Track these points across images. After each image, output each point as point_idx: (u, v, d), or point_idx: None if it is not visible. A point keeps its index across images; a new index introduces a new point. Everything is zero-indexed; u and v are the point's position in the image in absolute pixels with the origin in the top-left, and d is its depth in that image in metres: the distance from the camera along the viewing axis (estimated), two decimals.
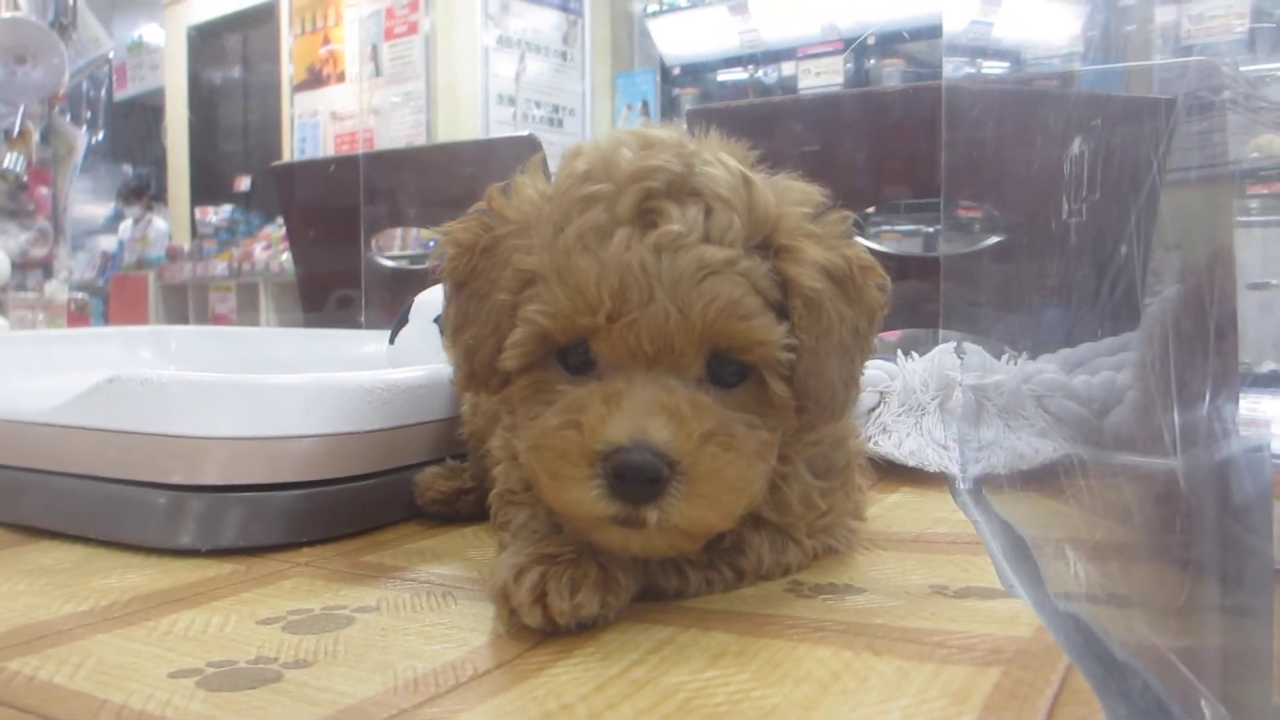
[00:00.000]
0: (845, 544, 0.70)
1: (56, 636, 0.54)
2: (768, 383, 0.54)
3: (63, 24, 2.13)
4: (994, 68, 1.30)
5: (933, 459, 0.99)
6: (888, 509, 0.86)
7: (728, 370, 0.54)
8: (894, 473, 0.99)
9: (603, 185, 0.53)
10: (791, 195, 0.58)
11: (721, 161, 0.55)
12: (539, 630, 0.53)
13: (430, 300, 1.09)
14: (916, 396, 1.07)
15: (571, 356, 0.55)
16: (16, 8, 2.07)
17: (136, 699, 0.45)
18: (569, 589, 0.53)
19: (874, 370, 1.10)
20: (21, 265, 3.18)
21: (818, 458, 0.66)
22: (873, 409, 1.07)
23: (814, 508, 0.65)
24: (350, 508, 0.77)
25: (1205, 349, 0.43)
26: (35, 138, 2.03)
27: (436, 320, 1.06)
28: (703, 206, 0.53)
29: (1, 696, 0.46)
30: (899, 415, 1.05)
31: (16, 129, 1.96)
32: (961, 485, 0.96)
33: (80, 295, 3.37)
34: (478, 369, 0.58)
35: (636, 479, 0.50)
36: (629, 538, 0.52)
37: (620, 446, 0.50)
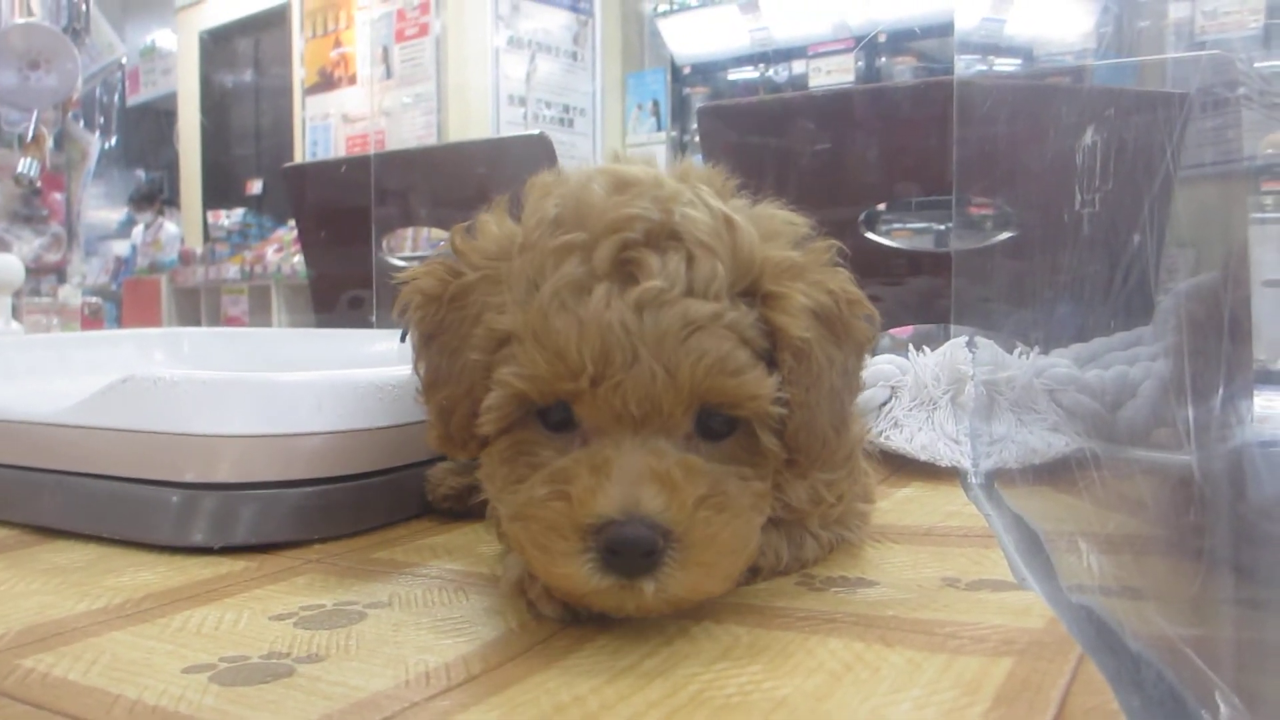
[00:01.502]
0: (857, 531, 0.70)
1: (70, 634, 0.54)
2: (757, 435, 0.52)
3: (76, 29, 2.14)
4: (1006, 65, 1.30)
5: (944, 453, 0.98)
6: (899, 503, 0.86)
7: (716, 422, 0.52)
8: (905, 467, 0.99)
9: (576, 235, 0.50)
10: (775, 227, 0.56)
11: (703, 201, 0.52)
12: (555, 622, 0.53)
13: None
14: (928, 391, 1.06)
15: (552, 415, 0.52)
16: (30, 13, 2.08)
17: (150, 694, 0.45)
18: None
19: (885, 365, 1.09)
20: (35, 270, 3.20)
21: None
22: (884, 403, 1.06)
23: (822, 502, 0.65)
24: (362, 504, 0.77)
25: (1220, 342, 0.42)
26: (49, 143, 2.04)
27: None
28: (684, 255, 0.50)
29: (16, 693, 0.46)
30: (910, 410, 1.05)
31: (30, 134, 1.98)
32: (973, 480, 0.96)
33: (94, 299, 3.39)
34: (454, 432, 0.56)
35: (630, 553, 0.48)
36: (624, 602, 0.49)
37: (612, 519, 0.47)
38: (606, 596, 0.49)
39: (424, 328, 0.57)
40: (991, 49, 1.26)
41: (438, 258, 0.58)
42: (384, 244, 2.07)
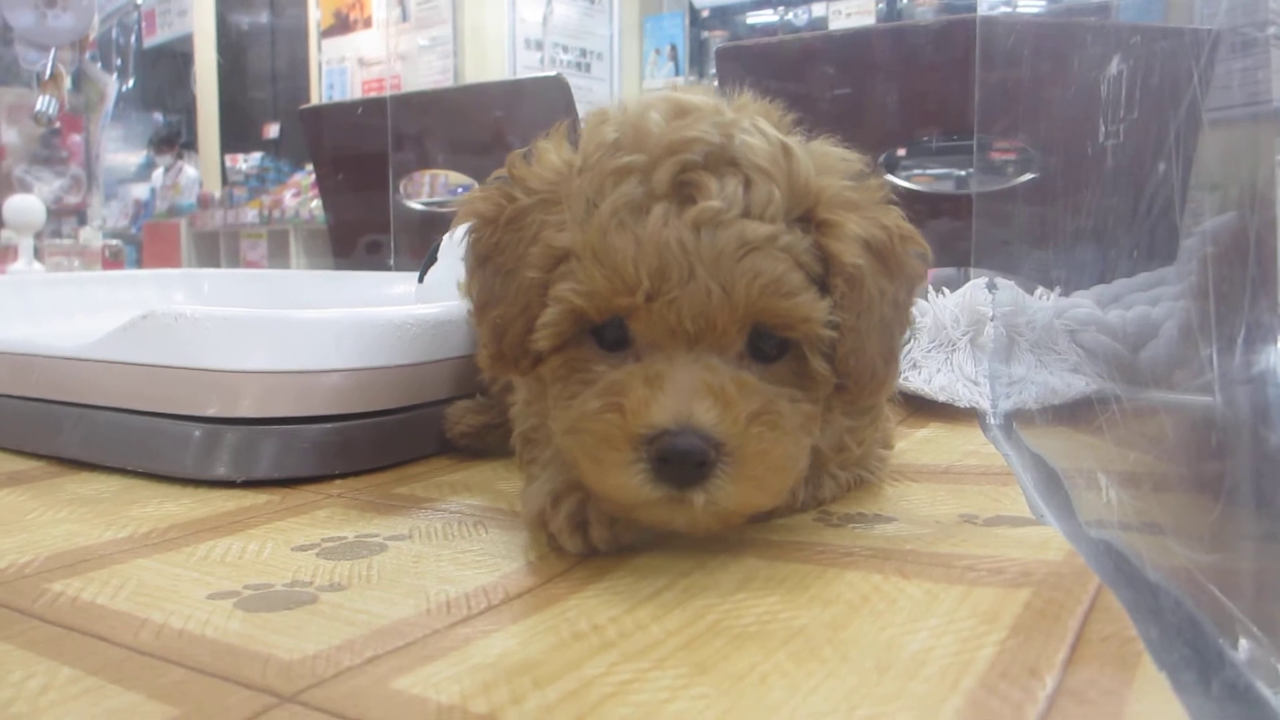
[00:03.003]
0: (876, 474, 0.70)
1: (98, 560, 0.55)
2: (808, 359, 0.53)
3: None
4: (1031, 6, 1.28)
5: (963, 394, 0.98)
6: (917, 443, 0.86)
7: (768, 345, 0.52)
8: (924, 408, 0.99)
9: (636, 156, 0.51)
10: (830, 163, 0.56)
11: (760, 130, 0.53)
12: (576, 554, 0.54)
13: (458, 238, 1.09)
14: (947, 332, 1.06)
15: (607, 334, 0.53)
16: None
17: (176, 618, 0.46)
18: (607, 516, 0.53)
19: None
20: (56, 212, 3.21)
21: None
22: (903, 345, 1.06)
23: (845, 449, 0.65)
24: (380, 441, 0.78)
25: (1245, 281, 0.42)
26: (67, 82, 2.03)
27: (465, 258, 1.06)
28: (741, 179, 0.50)
29: (47, 615, 0.47)
30: (929, 351, 1.05)
31: (48, 72, 1.97)
32: (992, 420, 0.96)
33: (114, 242, 3.40)
34: (506, 349, 0.56)
35: (682, 463, 0.48)
36: (674, 515, 0.50)
37: (665, 430, 0.48)
38: (656, 509, 0.49)
39: (479, 249, 0.57)
40: None
41: (494, 182, 0.58)
42: (401, 188, 2.06)
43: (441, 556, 0.55)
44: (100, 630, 0.45)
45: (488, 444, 0.81)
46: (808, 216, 0.53)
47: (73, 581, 0.51)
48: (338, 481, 0.73)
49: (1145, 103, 0.54)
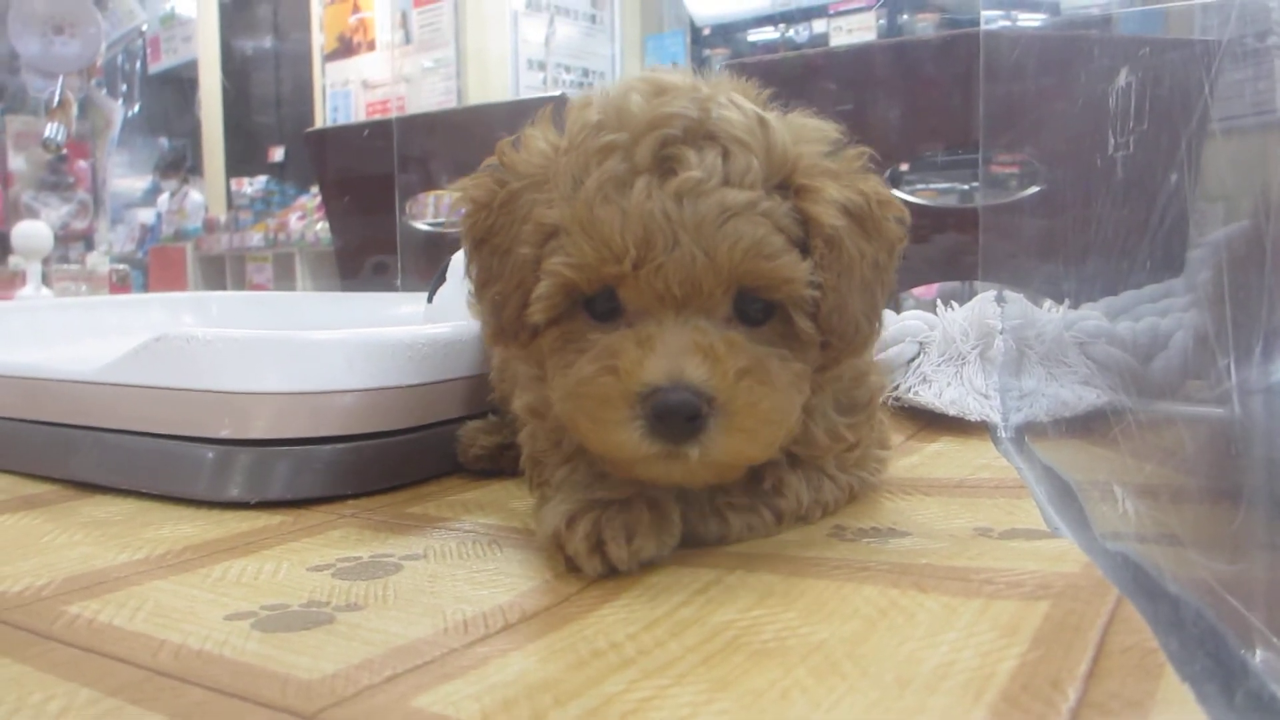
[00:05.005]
0: (876, 474, 0.71)
1: (114, 583, 0.55)
2: (793, 319, 0.55)
3: None
4: (1031, 20, 1.28)
5: (974, 408, 0.98)
6: (929, 457, 0.86)
7: (754, 309, 0.55)
8: (935, 422, 0.99)
9: (618, 135, 0.53)
10: (807, 134, 0.58)
11: (736, 104, 0.55)
12: (593, 575, 0.53)
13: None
14: (957, 346, 1.06)
15: (598, 305, 0.55)
16: None
17: (194, 639, 0.46)
18: (624, 534, 0.53)
19: (914, 320, 1.09)
20: (63, 237, 3.22)
21: (840, 394, 0.66)
22: (913, 359, 1.06)
23: (841, 440, 0.66)
24: (393, 461, 0.78)
25: (1262, 289, 0.42)
26: (74, 109, 2.04)
27: None
28: (720, 150, 0.53)
29: (64, 637, 0.47)
30: (939, 365, 1.05)
31: (56, 99, 1.98)
32: (1003, 434, 0.96)
33: (121, 267, 3.41)
34: (505, 324, 0.58)
35: (676, 418, 0.50)
36: (671, 470, 0.52)
37: (658, 387, 0.50)
38: (655, 464, 0.52)
39: (475, 233, 0.60)
40: (1016, 3, 1.25)
41: (486, 170, 0.60)
42: (406, 209, 2.07)
43: (457, 576, 0.55)
44: (118, 652, 0.45)
45: (502, 466, 0.81)
46: (786, 183, 0.55)
47: (89, 603, 0.51)
48: (351, 502, 0.73)
49: (1155, 113, 0.54)
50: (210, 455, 0.73)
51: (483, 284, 0.60)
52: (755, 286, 0.54)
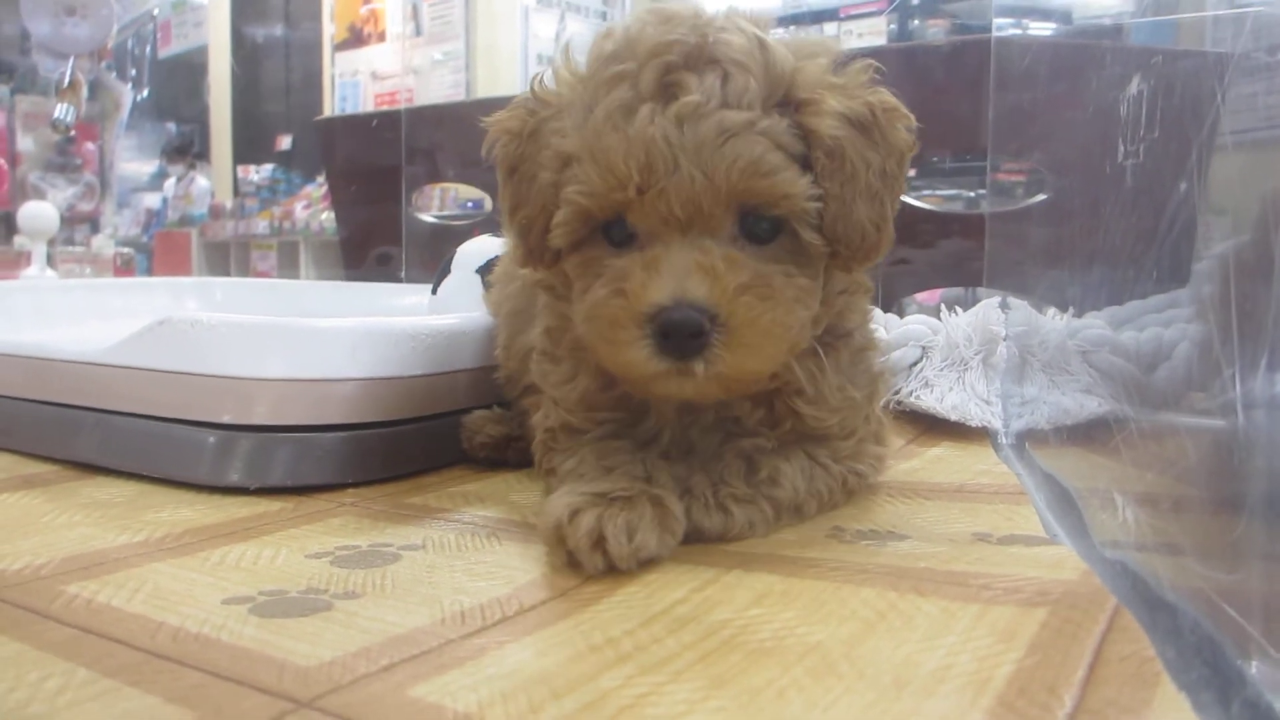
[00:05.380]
0: (872, 471, 0.71)
1: (113, 564, 0.55)
2: (799, 234, 0.56)
3: None
4: (1043, 28, 1.28)
5: (975, 414, 0.98)
6: (929, 462, 0.86)
7: (760, 227, 0.56)
8: (936, 426, 0.99)
9: (627, 64, 0.56)
10: (809, 49, 0.60)
11: (738, 27, 0.57)
12: (594, 571, 0.53)
13: (471, 251, 1.09)
14: (959, 351, 1.06)
15: (614, 232, 0.58)
16: None
17: (192, 622, 0.46)
18: (626, 531, 0.53)
19: (917, 325, 1.09)
20: (69, 219, 3.22)
21: (845, 364, 0.66)
22: (915, 363, 1.06)
23: (850, 403, 0.66)
24: (394, 450, 0.78)
25: (1264, 303, 0.42)
26: (84, 91, 2.04)
27: (478, 270, 1.06)
28: (720, 74, 0.55)
29: (63, 617, 0.47)
30: (941, 370, 1.05)
31: (67, 79, 1.98)
32: (1004, 440, 0.96)
33: (126, 250, 3.41)
34: (532, 246, 0.62)
35: (680, 334, 0.53)
36: (683, 386, 0.55)
37: (663, 307, 0.53)
38: (665, 381, 0.55)
39: (507, 161, 0.62)
40: (1028, 12, 1.25)
41: (520, 101, 0.63)
42: (412, 200, 2.07)
43: (455, 567, 0.55)
44: (116, 633, 0.45)
45: (506, 456, 0.81)
46: (787, 100, 0.57)
47: (88, 584, 0.51)
48: (350, 490, 0.73)
49: (1166, 121, 0.54)
50: (212, 440, 0.73)
51: (513, 210, 0.62)
52: (756, 204, 0.55)
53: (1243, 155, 0.47)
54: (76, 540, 0.59)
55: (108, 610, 0.48)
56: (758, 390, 0.61)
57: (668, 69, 0.55)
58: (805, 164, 0.56)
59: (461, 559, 0.57)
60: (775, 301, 0.55)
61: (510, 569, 0.55)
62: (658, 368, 0.54)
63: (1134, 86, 0.58)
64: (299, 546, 0.59)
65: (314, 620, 0.47)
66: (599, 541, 0.53)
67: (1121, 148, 0.59)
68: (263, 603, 0.49)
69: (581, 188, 0.56)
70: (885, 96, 0.60)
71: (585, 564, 0.53)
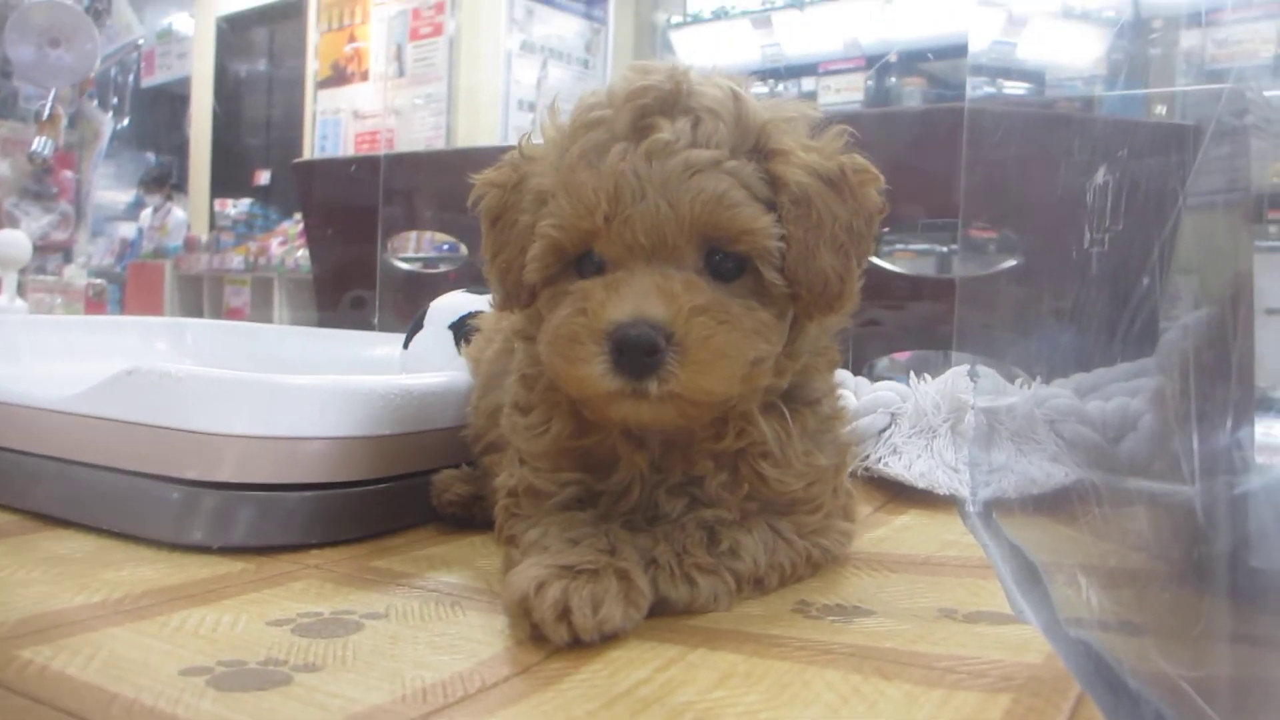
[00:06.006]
0: (838, 546, 0.71)
1: (69, 627, 0.54)
2: (762, 274, 0.58)
3: (98, 9, 2.14)
4: (1016, 88, 1.30)
5: (943, 481, 0.99)
6: (897, 531, 0.86)
7: (726, 265, 0.58)
8: (903, 494, 0.99)
9: (605, 111, 0.59)
10: (784, 110, 0.62)
11: (712, 81, 0.60)
12: (559, 644, 0.53)
13: (444, 306, 1.09)
14: (928, 419, 1.07)
15: (584, 266, 0.60)
16: None
17: (148, 695, 0.45)
18: (591, 604, 0.53)
19: (886, 392, 1.09)
20: (42, 248, 3.19)
21: (812, 429, 0.67)
22: (884, 430, 1.07)
23: (816, 467, 0.66)
24: (361, 511, 0.77)
25: (1224, 377, 0.43)
26: (64, 122, 2.03)
27: (451, 326, 1.06)
28: (692, 118, 0.58)
29: (15, 685, 0.46)
30: (910, 437, 1.05)
31: (47, 112, 1.97)
32: (971, 508, 0.96)
33: (98, 281, 3.38)
34: (510, 288, 0.64)
35: (635, 351, 0.54)
36: (639, 409, 0.56)
37: (621, 324, 0.55)
38: (621, 403, 0.56)
39: (491, 212, 0.65)
40: (1002, 72, 1.27)
41: (506, 157, 0.66)
42: (388, 246, 2.07)
43: (418, 639, 0.55)
44: (70, 704, 0.44)
45: (473, 514, 0.81)
46: (757, 148, 0.59)
47: (43, 649, 0.50)
48: (315, 551, 0.73)
49: (1131, 214, 0.55)
50: (175, 496, 0.72)
51: (494, 255, 0.65)
52: (719, 237, 0.57)
53: (1207, 217, 0.48)
54: (33, 600, 0.58)
55: (62, 679, 0.47)
56: (715, 415, 0.61)
57: (642, 112, 0.58)
58: (771, 207, 0.58)
59: (425, 629, 0.57)
60: (731, 326, 0.56)
61: (474, 641, 0.55)
62: (612, 385, 0.55)
63: (1100, 176, 0.59)
64: (260, 612, 0.58)
65: (272, 695, 0.46)
66: (564, 614, 0.53)
67: (1088, 234, 0.60)
68: (221, 674, 0.48)
69: (553, 220, 0.59)
70: (858, 159, 0.62)
71: (551, 636, 0.53)
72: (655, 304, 0.55)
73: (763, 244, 0.58)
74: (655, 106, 0.58)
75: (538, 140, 0.65)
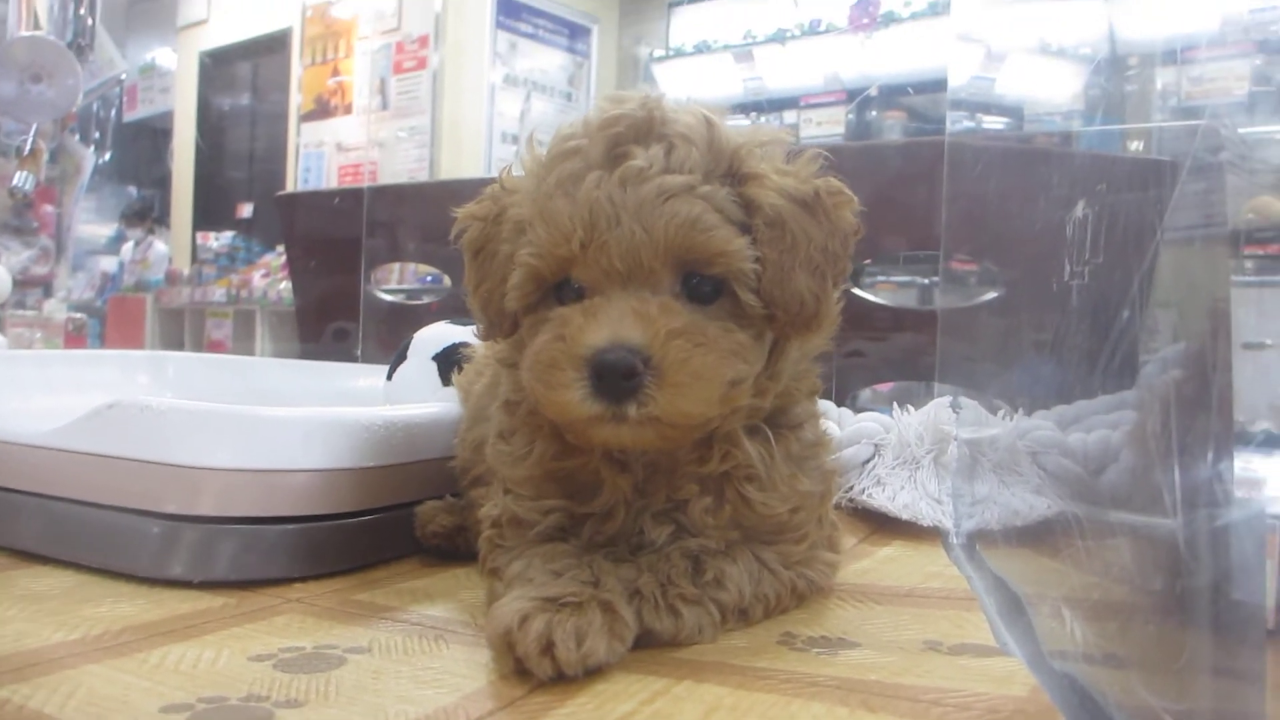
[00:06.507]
0: (823, 577, 0.71)
1: (47, 665, 0.53)
2: (739, 296, 0.59)
3: (80, 45, 2.14)
4: (995, 123, 1.32)
5: (926, 513, 0.99)
6: (881, 562, 0.86)
7: (703, 289, 0.59)
8: (887, 525, 0.99)
9: (580, 140, 0.60)
10: (759, 136, 0.63)
11: (686, 108, 0.61)
12: (544, 678, 0.52)
13: (428, 338, 1.09)
14: (911, 450, 1.07)
15: (563, 293, 0.60)
16: (37, 26, 2.08)
17: None
18: (575, 637, 0.53)
19: (869, 423, 1.10)
20: (22, 283, 3.18)
21: (792, 443, 0.67)
22: (867, 461, 1.07)
23: (801, 493, 0.67)
24: (345, 544, 0.77)
25: (1204, 410, 0.43)
26: (45, 157, 2.03)
27: (435, 357, 1.06)
28: (666, 145, 0.59)
29: None
30: (893, 468, 1.05)
31: (28, 147, 1.97)
32: (955, 540, 0.96)
33: (78, 315, 3.36)
34: (492, 317, 0.65)
35: (614, 375, 0.55)
36: (619, 432, 0.57)
37: (599, 349, 0.55)
38: (601, 426, 0.57)
39: (473, 244, 0.66)
40: (981, 107, 1.28)
41: (488, 190, 0.67)
42: (371, 277, 2.07)
43: (401, 673, 0.54)
44: None
45: (458, 546, 0.80)
46: (731, 173, 0.60)
47: (20, 688, 0.50)
48: (297, 585, 0.72)
49: (1110, 248, 0.56)
50: (155, 530, 0.72)
51: (476, 286, 0.65)
52: (694, 260, 0.58)
53: (1184, 251, 0.49)
54: (10, 637, 0.57)
55: (40, 718, 0.46)
56: (695, 437, 0.62)
57: (616, 140, 0.59)
58: (746, 230, 0.59)
59: (408, 664, 0.56)
60: (708, 348, 0.57)
61: (458, 676, 0.54)
62: (592, 409, 0.56)
63: (1079, 210, 0.60)
64: (241, 647, 0.58)
65: None
66: (548, 648, 0.53)
67: (1068, 267, 0.61)
68: (202, 711, 0.48)
69: (532, 249, 0.59)
70: (833, 181, 0.63)
71: (534, 670, 0.53)
72: (632, 328, 0.56)
73: (738, 266, 0.58)
74: (629, 134, 0.59)
75: (518, 173, 0.65)
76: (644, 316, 0.56)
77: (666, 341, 0.55)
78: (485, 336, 0.67)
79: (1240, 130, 0.52)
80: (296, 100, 6.36)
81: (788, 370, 0.66)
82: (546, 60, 6.01)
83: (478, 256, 0.65)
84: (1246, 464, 0.46)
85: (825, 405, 1.11)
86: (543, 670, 0.52)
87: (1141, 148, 0.69)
